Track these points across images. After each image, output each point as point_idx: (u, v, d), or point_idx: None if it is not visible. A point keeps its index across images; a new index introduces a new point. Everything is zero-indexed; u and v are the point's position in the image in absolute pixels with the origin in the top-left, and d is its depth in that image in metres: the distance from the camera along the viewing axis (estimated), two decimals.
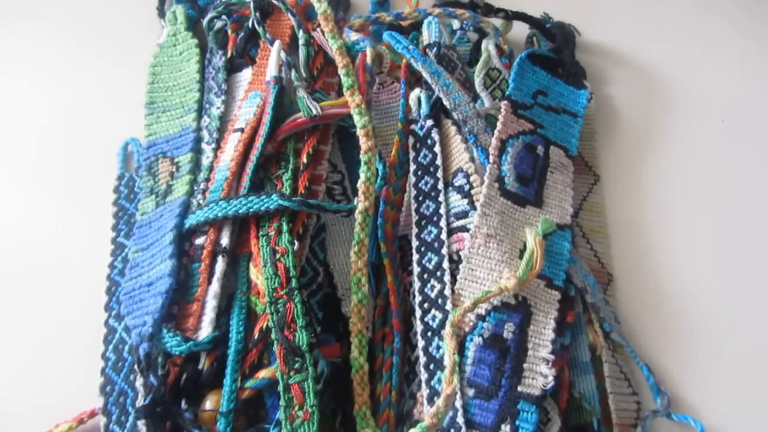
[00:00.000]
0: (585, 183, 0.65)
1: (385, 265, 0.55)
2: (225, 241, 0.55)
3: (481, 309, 0.51)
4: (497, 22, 0.71)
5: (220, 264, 0.54)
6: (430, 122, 0.61)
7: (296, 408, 0.47)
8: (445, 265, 0.54)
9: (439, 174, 0.58)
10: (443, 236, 0.55)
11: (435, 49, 0.65)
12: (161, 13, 0.73)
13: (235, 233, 0.56)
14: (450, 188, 0.58)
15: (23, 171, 0.65)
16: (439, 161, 0.59)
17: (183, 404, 0.49)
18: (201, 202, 0.58)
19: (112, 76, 0.70)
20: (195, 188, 0.59)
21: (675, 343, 0.57)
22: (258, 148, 0.59)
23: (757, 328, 0.58)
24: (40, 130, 0.68)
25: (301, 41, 0.65)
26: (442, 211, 0.56)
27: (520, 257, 0.53)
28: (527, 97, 0.63)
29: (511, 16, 0.71)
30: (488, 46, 0.67)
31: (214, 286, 0.53)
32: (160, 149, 0.63)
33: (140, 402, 0.49)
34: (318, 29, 0.66)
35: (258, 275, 0.53)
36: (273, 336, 0.49)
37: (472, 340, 0.50)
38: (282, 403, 0.47)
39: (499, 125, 0.60)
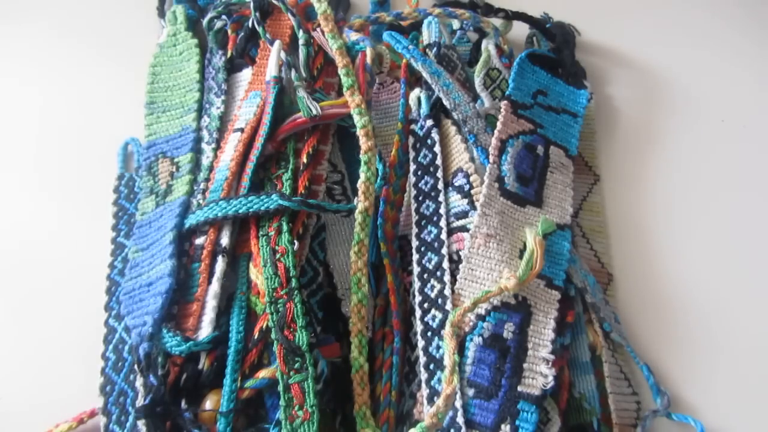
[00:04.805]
0: (585, 183, 0.65)
1: (385, 265, 0.55)
2: (225, 241, 0.55)
3: (481, 309, 0.51)
4: (497, 22, 0.71)
5: (220, 264, 0.54)
6: (430, 122, 0.61)
7: (296, 408, 0.47)
8: (445, 265, 0.54)
9: (439, 174, 0.58)
10: (443, 236, 0.55)
11: (435, 49, 0.65)
12: (161, 13, 0.73)
13: (235, 233, 0.57)
14: (450, 188, 0.58)
15: (23, 171, 0.65)
16: (439, 161, 0.59)
17: (183, 404, 0.49)
18: (201, 202, 0.58)
19: (112, 76, 0.70)
20: (195, 188, 0.59)
21: (675, 343, 0.57)
22: (258, 148, 0.59)
23: (757, 328, 0.58)
24: (40, 130, 0.68)
25: (301, 41, 0.65)
26: (442, 211, 0.56)
27: (520, 257, 0.53)
28: (527, 97, 0.63)
29: (511, 16, 0.71)
30: (488, 46, 0.67)
31: (214, 286, 0.53)
32: (160, 149, 0.63)
33: (140, 402, 0.49)
34: (318, 29, 0.66)
35: (258, 275, 0.53)
36: (273, 336, 0.49)
37: (472, 340, 0.50)
38: (282, 403, 0.47)
39: (499, 125, 0.60)
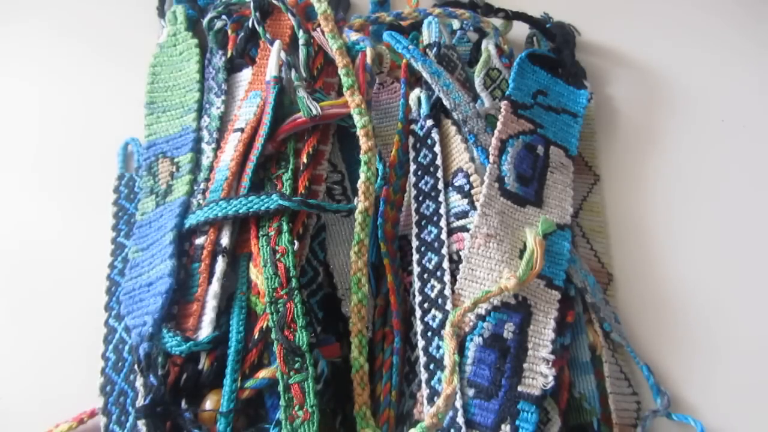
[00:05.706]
0: (585, 183, 0.65)
1: (385, 265, 0.55)
2: (225, 241, 0.55)
3: (481, 309, 0.51)
4: (497, 22, 0.71)
5: (220, 264, 0.54)
6: (430, 122, 0.61)
7: (296, 408, 0.47)
8: (445, 265, 0.54)
9: (439, 174, 0.58)
10: (443, 236, 0.55)
11: (435, 49, 0.65)
12: (161, 13, 0.73)
13: (235, 233, 0.57)
14: (450, 188, 0.58)
15: (23, 171, 0.65)
16: (439, 161, 0.59)
17: (183, 404, 0.49)
18: (201, 202, 0.58)
19: (112, 76, 0.70)
20: (195, 188, 0.60)
21: (675, 343, 0.57)
22: (258, 148, 0.59)
23: (757, 328, 0.58)
24: (40, 130, 0.68)
25: (301, 41, 0.65)
26: (442, 211, 0.56)
27: (520, 257, 0.53)
28: (527, 97, 0.63)
29: (511, 16, 0.71)
30: (488, 46, 0.67)
31: (214, 286, 0.53)
32: (160, 149, 0.63)
33: (140, 402, 0.49)
34: (318, 29, 0.66)
35: (258, 275, 0.53)
36: (273, 336, 0.49)
37: (472, 340, 0.50)
38: (282, 403, 0.47)
39: (499, 125, 0.60)
